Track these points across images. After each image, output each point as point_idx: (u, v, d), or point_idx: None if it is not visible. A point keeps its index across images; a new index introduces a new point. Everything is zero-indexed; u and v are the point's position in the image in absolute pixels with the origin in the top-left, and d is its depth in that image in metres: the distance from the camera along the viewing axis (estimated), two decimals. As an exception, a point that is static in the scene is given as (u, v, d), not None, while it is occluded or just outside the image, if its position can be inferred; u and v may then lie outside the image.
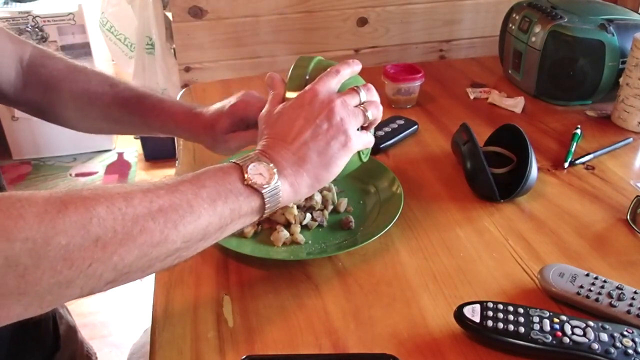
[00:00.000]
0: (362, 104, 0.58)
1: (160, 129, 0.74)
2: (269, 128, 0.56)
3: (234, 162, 0.50)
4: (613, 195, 0.76)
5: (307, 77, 0.60)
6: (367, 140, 0.59)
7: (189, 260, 0.49)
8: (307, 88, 0.57)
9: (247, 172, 0.49)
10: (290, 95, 0.59)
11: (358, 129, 0.57)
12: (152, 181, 0.46)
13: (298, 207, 0.69)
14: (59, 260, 0.37)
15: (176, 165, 0.87)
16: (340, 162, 0.55)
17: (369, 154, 0.64)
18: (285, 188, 0.51)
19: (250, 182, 0.49)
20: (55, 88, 0.72)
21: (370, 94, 0.59)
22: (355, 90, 0.58)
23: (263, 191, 0.49)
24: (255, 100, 0.70)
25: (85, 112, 0.74)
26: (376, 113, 0.59)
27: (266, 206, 0.50)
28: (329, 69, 0.58)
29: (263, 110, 0.59)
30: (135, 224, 0.41)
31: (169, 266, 0.46)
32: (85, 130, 0.78)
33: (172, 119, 0.73)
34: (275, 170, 0.51)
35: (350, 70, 0.60)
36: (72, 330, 0.75)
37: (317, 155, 0.54)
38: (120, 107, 0.73)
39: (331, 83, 0.57)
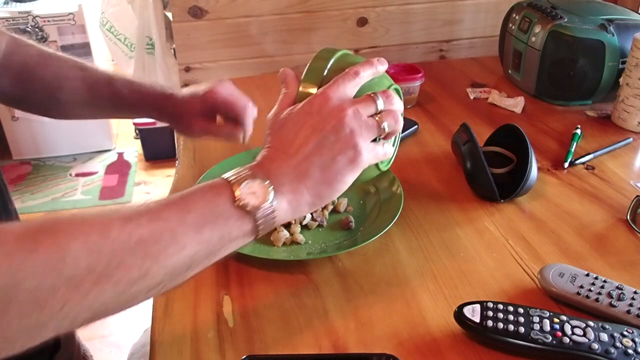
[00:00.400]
0: (379, 113, 0.52)
1: (129, 109, 0.75)
2: (272, 135, 0.52)
3: (226, 179, 0.46)
4: (613, 195, 0.76)
5: (326, 72, 0.55)
6: (381, 153, 0.53)
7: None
8: (319, 92, 0.52)
9: (239, 192, 0.45)
10: (304, 89, 0.54)
11: (376, 139, 0.52)
12: (137, 205, 0.42)
13: (298, 207, 0.69)
14: (28, 304, 0.35)
15: (176, 165, 0.87)
16: (347, 179, 0.50)
17: (390, 163, 0.61)
18: (283, 207, 0.47)
19: (241, 203, 0.44)
20: (27, 74, 0.72)
21: (389, 102, 0.52)
22: (371, 97, 0.52)
23: (255, 214, 0.45)
24: (227, 92, 0.73)
25: (57, 97, 0.74)
26: (393, 125, 0.52)
27: (259, 228, 0.46)
28: (347, 70, 0.53)
29: (271, 112, 0.54)
30: (112, 260, 0.38)
31: (155, 296, 0.43)
32: (57, 116, 0.78)
33: (142, 99, 0.74)
34: (271, 188, 0.46)
35: (372, 71, 0.54)
36: (70, 331, 0.75)
37: (321, 170, 0.49)
38: (90, 89, 0.73)
39: (346, 88, 0.52)
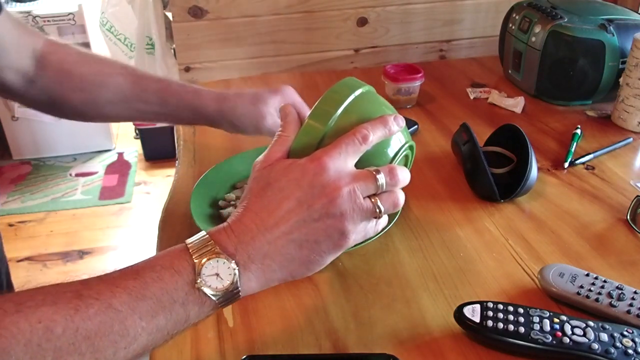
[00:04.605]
0: (378, 194, 0.46)
1: (177, 105, 0.72)
2: (253, 193, 0.46)
3: (188, 251, 0.42)
4: (613, 195, 0.76)
5: (339, 112, 0.48)
6: (372, 232, 0.48)
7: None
8: (316, 155, 0.45)
9: (200, 273, 0.41)
10: (303, 141, 0.47)
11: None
12: (88, 284, 0.40)
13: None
14: None
15: (176, 165, 0.87)
16: (326, 261, 0.46)
17: (382, 232, 0.60)
18: (249, 285, 0.44)
19: (202, 285, 0.41)
20: (68, 73, 0.71)
21: (392, 182, 0.46)
22: (373, 175, 0.45)
23: (218, 299, 0.42)
24: (298, 97, 0.75)
25: (97, 95, 0.72)
26: (391, 209, 0.47)
27: (220, 306, 0.43)
28: (355, 130, 0.46)
29: (260, 157, 0.48)
30: None
31: None
32: (94, 117, 0.76)
33: (195, 93, 0.72)
34: (236, 270, 0.42)
35: (383, 134, 0.48)
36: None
37: (299, 249, 0.44)
38: (134, 85, 0.72)
39: (348, 156, 0.45)
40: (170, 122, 0.76)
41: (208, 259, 0.42)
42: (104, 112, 0.75)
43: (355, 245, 0.63)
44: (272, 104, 0.73)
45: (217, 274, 0.42)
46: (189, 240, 0.44)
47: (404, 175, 0.47)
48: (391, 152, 0.50)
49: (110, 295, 0.39)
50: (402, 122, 0.50)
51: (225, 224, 0.45)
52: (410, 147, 0.53)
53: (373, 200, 0.46)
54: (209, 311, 0.43)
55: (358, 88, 0.50)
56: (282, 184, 0.45)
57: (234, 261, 0.42)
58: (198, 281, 0.41)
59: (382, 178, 0.46)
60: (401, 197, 0.48)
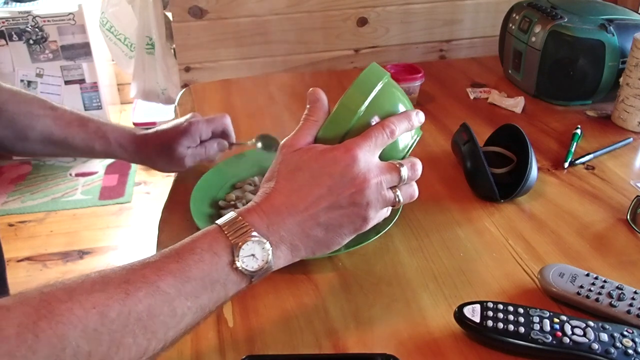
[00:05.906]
0: (399, 185, 0.51)
1: (103, 151, 0.76)
2: (282, 175, 0.49)
3: (225, 234, 0.45)
4: (613, 195, 0.76)
5: (365, 105, 0.51)
6: (383, 217, 0.53)
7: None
8: (347, 145, 0.49)
9: (238, 255, 0.44)
10: (332, 130, 0.51)
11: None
12: (132, 269, 0.42)
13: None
14: None
15: (176, 165, 0.87)
16: (344, 242, 0.51)
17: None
18: (278, 263, 0.48)
19: (240, 266, 0.45)
20: None
21: (414, 175, 0.52)
22: (397, 169, 0.50)
23: (253, 278, 0.46)
24: (204, 118, 0.76)
25: (25, 134, 0.74)
26: (408, 200, 0.53)
27: (253, 283, 0.47)
28: (383, 124, 0.50)
29: (287, 139, 0.51)
30: (112, 343, 0.38)
31: None
32: (20, 152, 0.78)
33: (118, 142, 0.75)
34: (270, 250, 0.46)
35: (407, 127, 0.52)
36: None
37: (324, 232, 0.49)
38: (62, 129, 0.74)
39: (376, 148, 0.50)
40: (97, 157, 0.80)
41: (245, 241, 0.45)
42: (31, 150, 0.77)
43: (354, 245, 0.63)
44: (184, 144, 0.74)
45: (253, 255, 0.45)
46: (220, 222, 0.46)
47: (420, 169, 0.53)
48: (406, 143, 0.54)
49: (157, 279, 0.41)
50: (422, 118, 0.54)
51: (253, 203, 0.48)
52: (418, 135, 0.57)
53: (394, 191, 0.51)
54: (245, 286, 0.46)
55: (381, 79, 0.53)
56: (314, 171, 0.48)
57: (268, 242, 0.46)
58: (237, 262, 0.44)
59: (405, 171, 0.51)
60: (417, 190, 0.53)
